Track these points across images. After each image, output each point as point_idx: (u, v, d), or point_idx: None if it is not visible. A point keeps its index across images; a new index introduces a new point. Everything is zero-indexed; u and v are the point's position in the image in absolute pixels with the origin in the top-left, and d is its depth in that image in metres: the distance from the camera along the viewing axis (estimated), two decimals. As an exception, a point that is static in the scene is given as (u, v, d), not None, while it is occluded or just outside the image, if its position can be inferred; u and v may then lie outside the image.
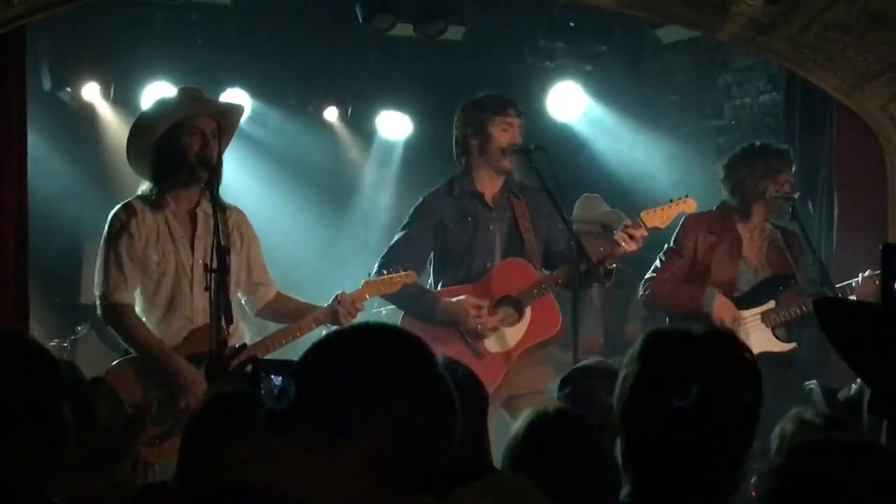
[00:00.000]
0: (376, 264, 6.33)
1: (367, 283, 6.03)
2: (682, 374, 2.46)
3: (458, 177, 6.50)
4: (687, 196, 6.50)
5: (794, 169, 6.79)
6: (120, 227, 5.74)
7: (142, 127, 5.83)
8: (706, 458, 2.45)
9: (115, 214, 5.80)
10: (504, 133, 6.34)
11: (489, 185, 6.46)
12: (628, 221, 6.33)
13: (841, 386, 4.19)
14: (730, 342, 2.58)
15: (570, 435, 2.98)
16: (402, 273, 6.06)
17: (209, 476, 1.87)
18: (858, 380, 3.70)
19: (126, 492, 3.63)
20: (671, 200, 6.48)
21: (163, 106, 5.98)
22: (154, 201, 5.78)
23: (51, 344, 7.91)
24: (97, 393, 3.79)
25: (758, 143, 6.99)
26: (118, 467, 3.71)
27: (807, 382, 4.28)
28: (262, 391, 3.01)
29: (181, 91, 6.16)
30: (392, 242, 6.49)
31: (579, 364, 4.74)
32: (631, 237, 6.18)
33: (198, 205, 5.85)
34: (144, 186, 5.84)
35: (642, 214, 6.33)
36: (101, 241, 5.82)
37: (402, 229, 6.51)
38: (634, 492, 2.50)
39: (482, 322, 6.23)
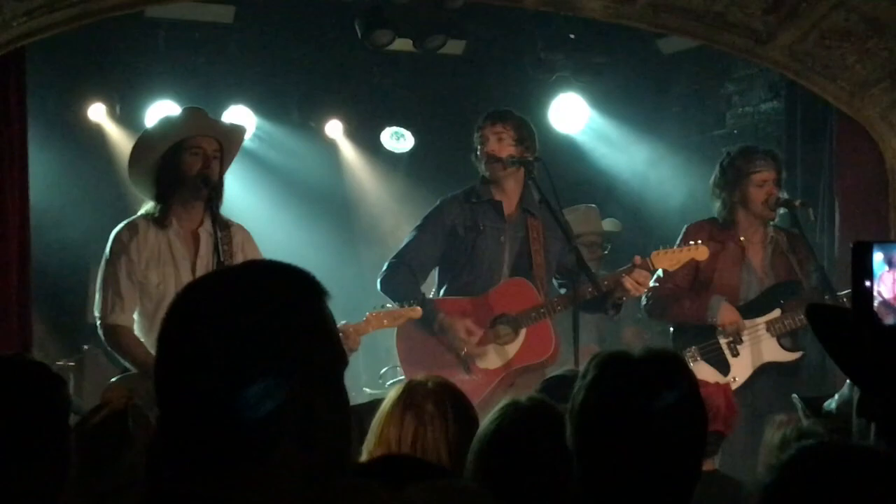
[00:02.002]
0: (385, 264, 6.42)
1: (371, 315, 6.05)
2: (622, 398, 2.53)
3: (477, 185, 6.55)
4: (700, 243, 6.49)
5: (777, 165, 6.75)
6: (120, 248, 5.76)
7: (143, 145, 5.85)
8: (654, 480, 2.50)
9: (117, 234, 5.81)
10: (491, 142, 6.40)
11: (506, 199, 6.50)
12: (637, 259, 6.30)
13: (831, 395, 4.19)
14: (671, 363, 2.62)
15: (543, 423, 2.99)
16: (408, 307, 6.11)
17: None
18: (842, 390, 3.71)
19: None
20: (683, 245, 6.50)
21: (165, 125, 6.00)
22: (158, 220, 5.80)
23: (57, 363, 7.94)
24: (130, 415, 3.81)
25: (733, 150, 6.95)
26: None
27: (793, 396, 4.28)
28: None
29: (185, 111, 6.19)
30: (403, 244, 6.54)
31: (553, 374, 4.75)
32: (638, 282, 6.20)
33: (201, 224, 5.87)
34: (149, 205, 5.86)
35: (652, 255, 6.34)
36: (102, 261, 5.83)
37: (413, 232, 6.56)
38: None
39: (467, 349, 6.28)
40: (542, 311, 6.32)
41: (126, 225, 5.85)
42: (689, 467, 2.55)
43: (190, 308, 1.91)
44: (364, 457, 3.56)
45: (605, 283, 6.23)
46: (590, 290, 6.15)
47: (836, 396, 3.69)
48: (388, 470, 1.73)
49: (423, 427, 3.49)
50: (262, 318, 1.84)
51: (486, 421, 3.32)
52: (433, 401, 3.55)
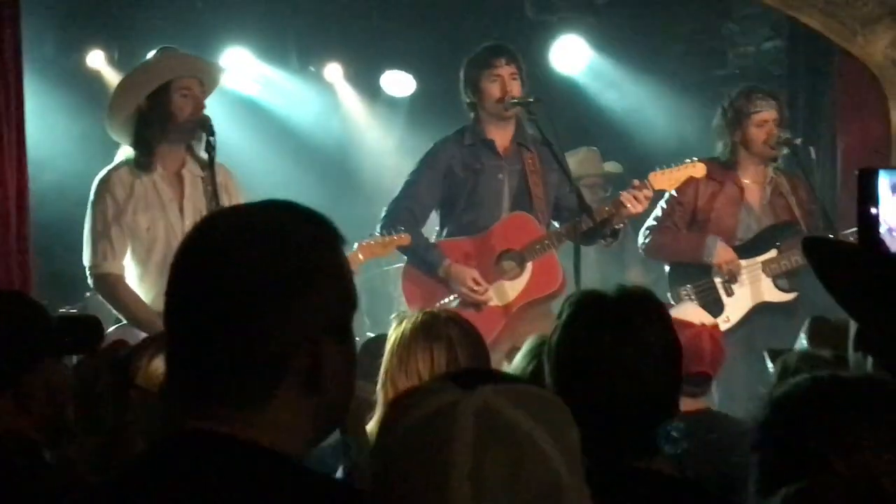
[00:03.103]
0: (383, 210, 6.37)
1: (361, 245, 6.02)
2: (596, 333, 2.55)
3: (470, 126, 6.49)
4: (697, 159, 6.42)
5: (779, 105, 6.70)
6: (106, 195, 5.68)
7: (128, 87, 5.77)
8: (630, 412, 2.52)
9: (101, 181, 5.74)
10: (493, 85, 6.31)
11: (499, 136, 6.43)
12: (636, 182, 6.27)
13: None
14: (643, 301, 2.63)
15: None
16: (397, 235, 6.08)
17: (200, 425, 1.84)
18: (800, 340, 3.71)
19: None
20: (681, 162, 6.40)
21: (150, 66, 5.91)
22: (141, 164, 5.71)
23: (60, 311, 7.95)
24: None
25: (734, 91, 6.91)
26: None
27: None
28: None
29: (164, 51, 6.07)
30: (400, 190, 6.49)
31: None
32: (636, 199, 6.14)
33: (184, 165, 5.80)
34: (128, 150, 5.78)
35: (650, 176, 6.27)
36: (88, 208, 5.77)
37: (411, 176, 6.51)
38: None
39: (476, 298, 6.24)
40: (546, 243, 6.29)
41: (109, 171, 5.76)
42: (663, 406, 2.55)
43: (205, 242, 1.89)
44: (385, 397, 3.54)
45: (606, 209, 6.18)
46: (591, 221, 6.10)
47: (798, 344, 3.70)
48: (462, 376, 1.71)
49: (453, 353, 3.51)
50: (278, 256, 1.82)
51: (518, 356, 3.35)
52: (457, 329, 3.58)
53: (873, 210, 2.11)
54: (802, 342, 3.65)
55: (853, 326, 2.33)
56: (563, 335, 2.60)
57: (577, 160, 8.05)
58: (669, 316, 2.68)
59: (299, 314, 1.83)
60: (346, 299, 1.90)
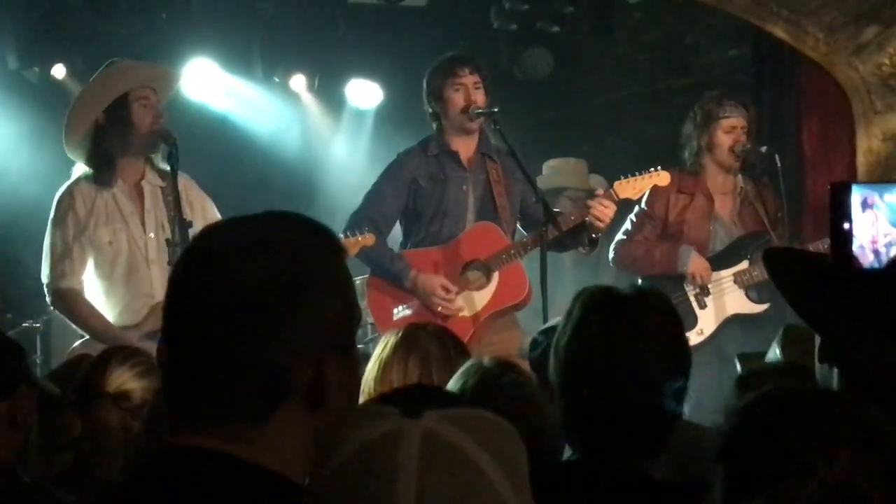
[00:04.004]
0: (346, 221, 6.31)
1: None
2: (609, 334, 2.52)
3: (433, 137, 6.47)
4: (660, 168, 6.41)
5: (748, 114, 6.70)
6: (67, 210, 5.66)
7: (83, 105, 5.71)
8: (639, 414, 2.51)
9: (61, 197, 5.71)
10: (457, 94, 6.28)
11: (463, 146, 6.42)
12: (600, 190, 6.27)
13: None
14: (656, 299, 2.62)
15: (503, 387, 2.99)
16: (361, 236, 6.05)
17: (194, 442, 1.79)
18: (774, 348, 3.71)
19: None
20: (645, 171, 6.38)
21: (104, 81, 5.81)
22: (99, 179, 5.68)
23: (24, 325, 7.90)
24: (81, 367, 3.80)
25: (706, 95, 6.92)
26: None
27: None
28: None
29: (117, 63, 5.97)
30: (362, 200, 6.45)
31: (549, 324, 4.71)
32: (602, 206, 6.10)
33: (143, 178, 5.77)
34: (86, 168, 5.73)
35: (615, 185, 6.27)
36: (49, 225, 5.73)
37: (373, 186, 6.48)
38: (577, 452, 2.54)
39: (446, 306, 6.22)
40: (511, 252, 6.28)
41: (69, 187, 5.73)
42: (671, 409, 2.56)
43: (205, 254, 1.84)
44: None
45: (572, 217, 6.17)
46: (556, 230, 6.08)
47: (771, 352, 3.69)
48: (405, 398, 1.68)
49: (428, 369, 3.49)
50: (280, 268, 1.78)
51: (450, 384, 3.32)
52: (437, 343, 3.56)
53: (846, 225, 2.10)
54: (776, 352, 3.64)
55: (818, 338, 2.32)
56: (574, 334, 2.57)
57: (566, 169, 8.03)
58: (679, 316, 2.67)
59: (302, 327, 1.78)
60: (348, 312, 1.86)
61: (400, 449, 1.58)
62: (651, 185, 6.36)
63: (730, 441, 2.01)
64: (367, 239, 6.08)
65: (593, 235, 6.21)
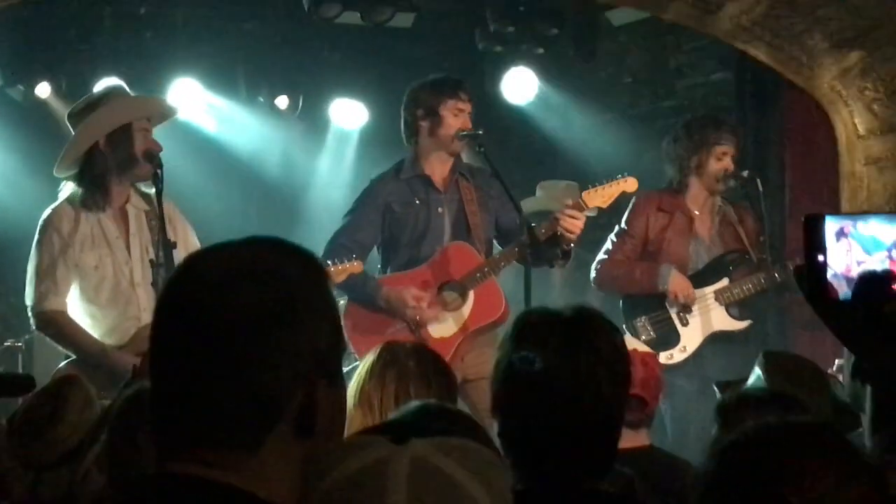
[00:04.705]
0: (322, 249, 6.27)
1: None
2: (549, 355, 2.49)
3: (407, 160, 6.44)
4: (627, 174, 6.40)
5: (738, 142, 6.74)
6: (53, 232, 5.64)
7: (87, 129, 5.70)
8: (578, 438, 2.47)
9: (47, 219, 5.69)
10: (456, 118, 6.27)
11: (438, 168, 6.40)
12: (569, 202, 6.26)
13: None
14: (597, 321, 2.60)
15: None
16: (348, 263, 6.03)
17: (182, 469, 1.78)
18: (756, 371, 3.71)
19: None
20: (612, 179, 6.37)
21: (112, 108, 5.80)
22: (85, 202, 5.67)
23: (6, 343, 7.88)
24: (69, 386, 3.79)
25: (699, 115, 6.95)
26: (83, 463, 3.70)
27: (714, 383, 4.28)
28: None
29: (114, 90, 6.04)
30: (338, 227, 6.43)
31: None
32: (572, 217, 6.07)
33: (128, 201, 5.77)
34: (72, 188, 5.73)
35: (583, 194, 6.27)
36: (34, 247, 5.71)
37: (348, 213, 6.46)
38: (514, 476, 2.52)
39: (420, 314, 6.20)
40: (486, 270, 6.26)
41: (54, 209, 5.72)
42: (614, 424, 2.53)
43: (193, 280, 1.82)
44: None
45: (542, 231, 6.15)
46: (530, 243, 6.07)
47: (752, 378, 3.69)
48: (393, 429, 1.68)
49: (405, 384, 3.46)
50: (269, 294, 1.77)
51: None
52: (415, 359, 3.53)
53: (820, 257, 2.11)
54: (759, 377, 3.64)
55: (849, 355, 2.34)
56: (511, 351, 2.55)
57: (555, 194, 8.03)
58: (618, 329, 2.65)
59: (292, 354, 1.77)
60: (337, 338, 1.85)
61: (389, 475, 1.58)
62: (620, 192, 6.36)
63: (711, 478, 2.01)
64: (356, 267, 6.05)
65: (565, 247, 6.19)
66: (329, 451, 1.70)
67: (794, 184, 7.50)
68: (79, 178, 5.71)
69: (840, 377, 5.04)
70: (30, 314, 5.72)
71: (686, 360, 6.49)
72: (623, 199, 6.47)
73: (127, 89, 6.08)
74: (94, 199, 5.68)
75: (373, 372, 3.51)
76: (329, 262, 5.93)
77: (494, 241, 6.49)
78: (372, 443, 1.64)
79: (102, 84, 8.42)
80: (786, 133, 7.67)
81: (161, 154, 5.65)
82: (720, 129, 6.69)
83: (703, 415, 6.11)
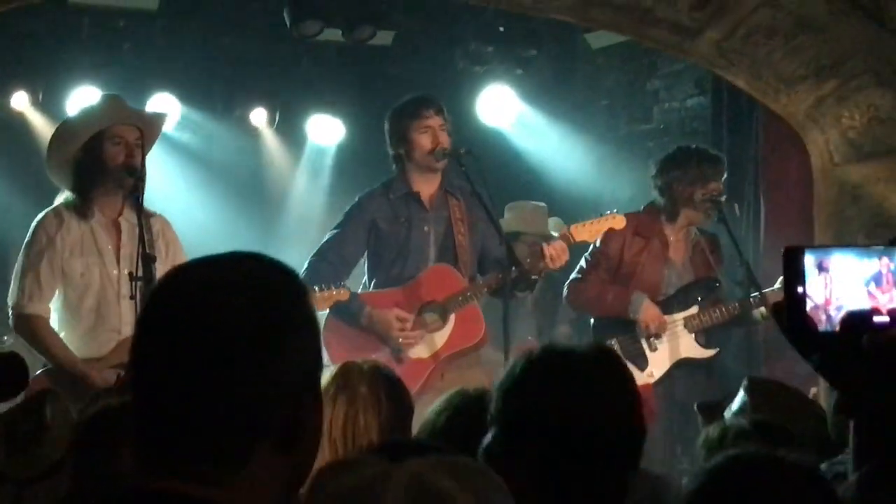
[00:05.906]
0: (306, 262, 6.30)
1: None
2: (560, 398, 2.41)
3: (395, 179, 6.47)
4: (616, 212, 6.47)
5: (724, 177, 6.79)
6: (44, 236, 5.66)
7: (63, 135, 5.74)
8: (592, 480, 2.40)
9: (39, 222, 5.71)
10: (424, 136, 6.29)
11: (425, 186, 6.42)
12: (555, 234, 6.31)
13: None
14: (612, 360, 2.53)
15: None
16: (335, 290, 6.03)
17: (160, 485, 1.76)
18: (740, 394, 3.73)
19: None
20: (600, 215, 6.43)
21: (86, 114, 5.90)
22: (79, 210, 5.70)
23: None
24: (50, 401, 3.77)
25: (693, 146, 6.97)
26: (64, 476, 3.68)
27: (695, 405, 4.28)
28: None
29: (103, 98, 6.10)
30: (323, 241, 6.44)
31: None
32: (557, 250, 6.13)
33: (121, 214, 5.79)
34: (67, 194, 5.76)
35: (571, 228, 6.32)
36: (23, 248, 5.72)
37: (335, 228, 6.47)
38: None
39: (405, 336, 6.22)
40: (468, 294, 6.28)
41: (49, 213, 5.74)
42: (624, 468, 2.46)
43: (177, 294, 1.80)
44: None
45: (528, 260, 6.19)
46: (520, 274, 6.09)
47: (736, 404, 3.70)
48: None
49: (354, 409, 3.44)
50: (253, 308, 1.75)
51: (431, 411, 3.26)
52: (367, 384, 3.50)
53: (799, 289, 2.12)
54: (744, 404, 3.65)
55: (830, 390, 2.34)
56: (515, 385, 2.46)
57: (523, 216, 8.04)
58: (629, 370, 2.55)
59: (277, 368, 1.75)
60: (317, 353, 1.84)
61: (386, 492, 1.58)
62: (606, 228, 6.40)
63: (695, 500, 2.02)
64: (342, 294, 6.06)
65: (532, 278, 6.23)
66: (328, 466, 1.70)
67: (770, 210, 7.53)
68: (70, 186, 5.74)
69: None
70: (10, 314, 5.70)
71: (653, 385, 6.55)
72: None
73: (118, 97, 6.04)
74: (82, 208, 5.71)
75: (325, 394, 3.49)
76: (315, 289, 5.92)
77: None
78: (368, 460, 1.64)
79: (79, 95, 8.44)
80: (761, 159, 7.70)
81: (137, 164, 5.64)
82: (716, 167, 6.73)
83: (668, 440, 6.21)
